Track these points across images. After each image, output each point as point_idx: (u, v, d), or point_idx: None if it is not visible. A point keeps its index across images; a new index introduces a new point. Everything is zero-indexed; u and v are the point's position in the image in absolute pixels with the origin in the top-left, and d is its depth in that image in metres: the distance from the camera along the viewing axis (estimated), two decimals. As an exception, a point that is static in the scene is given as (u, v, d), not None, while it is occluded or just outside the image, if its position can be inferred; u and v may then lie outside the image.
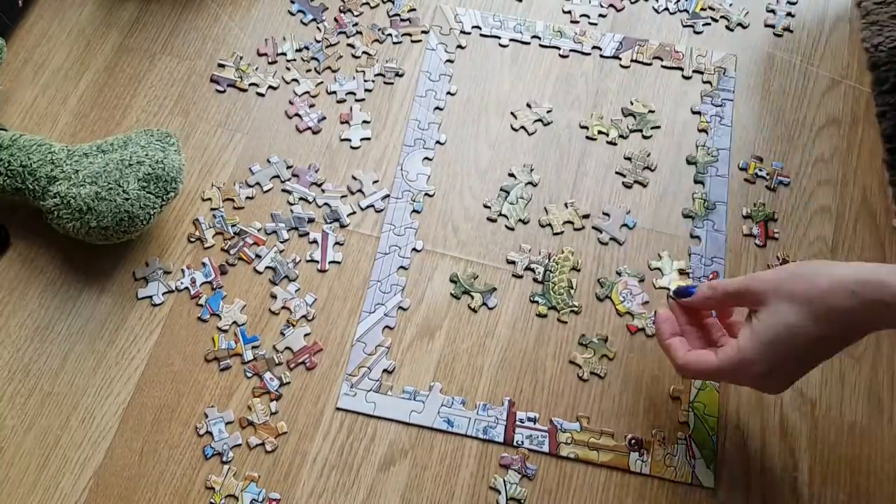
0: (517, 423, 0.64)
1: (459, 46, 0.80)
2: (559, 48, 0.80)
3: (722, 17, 0.81)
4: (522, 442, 0.63)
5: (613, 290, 0.69)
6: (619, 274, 0.70)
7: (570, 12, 0.81)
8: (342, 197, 0.72)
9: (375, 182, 0.73)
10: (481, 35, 0.80)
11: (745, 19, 0.81)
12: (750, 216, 0.72)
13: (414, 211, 0.72)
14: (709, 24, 0.81)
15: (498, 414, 0.64)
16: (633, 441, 0.63)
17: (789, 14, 0.82)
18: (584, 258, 0.70)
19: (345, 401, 0.64)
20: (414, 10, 0.82)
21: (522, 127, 0.76)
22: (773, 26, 0.81)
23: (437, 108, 0.77)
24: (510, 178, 0.73)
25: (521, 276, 0.69)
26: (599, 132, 0.76)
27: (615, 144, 0.75)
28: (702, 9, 0.82)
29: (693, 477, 0.62)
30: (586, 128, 0.76)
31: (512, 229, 0.71)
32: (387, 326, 0.67)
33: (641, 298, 0.69)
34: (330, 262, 0.70)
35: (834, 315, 0.51)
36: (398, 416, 0.64)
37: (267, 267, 0.69)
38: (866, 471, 0.62)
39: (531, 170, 0.73)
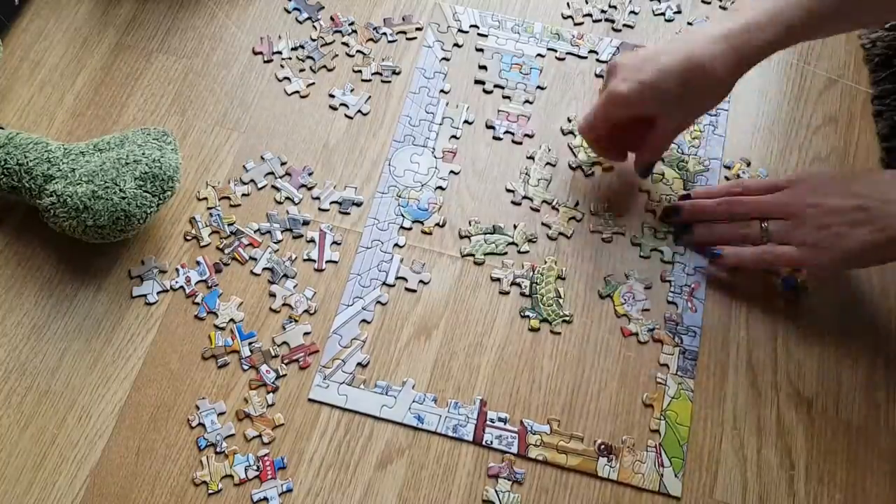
0: (487, 422, 0.64)
1: (456, 45, 0.80)
2: (556, 50, 0.80)
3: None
4: (492, 442, 0.63)
5: (616, 291, 0.69)
6: (627, 277, 0.69)
7: (570, 17, 0.81)
8: (325, 209, 0.72)
9: (359, 204, 0.72)
10: (479, 34, 0.80)
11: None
12: None
13: (398, 206, 0.72)
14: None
15: (469, 413, 0.64)
16: (602, 446, 0.63)
17: None
18: (580, 259, 0.70)
19: (317, 392, 0.64)
20: (405, 18, 0.81)
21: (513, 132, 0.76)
22: None
23: (430, 104, 0.77)
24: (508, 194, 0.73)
25: (507, 293, 0.69)
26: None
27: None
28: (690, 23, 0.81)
29: (661, 485, 0.62)
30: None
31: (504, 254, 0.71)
32: (363, 320, 0.67)
33: (643, 305, 0.68)
34: (327, 262, 0.70)
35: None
36: (369, 411, 0.64)
37: (264, 268, 0.69)
38: (863, 470, 0.63)
39: (536, 179, 0.73)
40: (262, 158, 0.74)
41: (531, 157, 0.74)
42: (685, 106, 0.64)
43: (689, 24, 0.81)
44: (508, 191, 0.73)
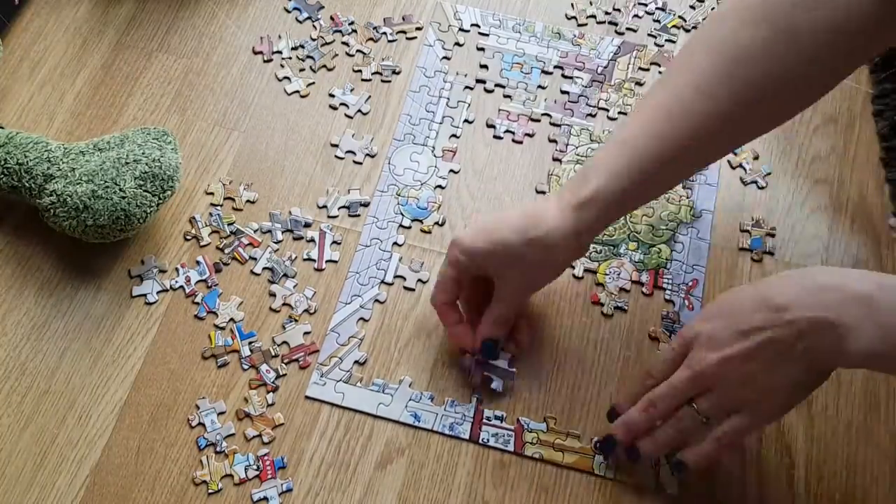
0: (484, 420, 0.64)
1: (457, 44, 0.80)
2: (557, 50, 0.80)
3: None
4: (488, 440, 0.63)
5: (605, 262, 0.69)
6: (618, 254, 0.70)
7: (574, 18, 0.81)
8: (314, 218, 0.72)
9: (366, 204, 0.72)
10: (480, 34, 0.80)
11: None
12: (748, 230, 0.71)
13: (399, 204, 0.72)
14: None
15: (465, 411, 0.64)
16: (598, 444, 0.63)
17: None
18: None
19: (314, 389, 0.64)
20: (405, 17, 0.81)
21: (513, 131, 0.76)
22: None
23: (430, 103, 0.77)
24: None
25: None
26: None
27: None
28: (674, 25, 0.81)
29: (657, 483, 0.62)
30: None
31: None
32: (361, 318, 0.67)
33: (623, 284, 0.69)
34: (327, 262, 0.70)
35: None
36: (366, 408, 0.64)
37: (264, 268, 0.69)
38: (862, 469, 0.63)
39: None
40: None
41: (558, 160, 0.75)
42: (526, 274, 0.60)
43: (688, 30, 0.81)
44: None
